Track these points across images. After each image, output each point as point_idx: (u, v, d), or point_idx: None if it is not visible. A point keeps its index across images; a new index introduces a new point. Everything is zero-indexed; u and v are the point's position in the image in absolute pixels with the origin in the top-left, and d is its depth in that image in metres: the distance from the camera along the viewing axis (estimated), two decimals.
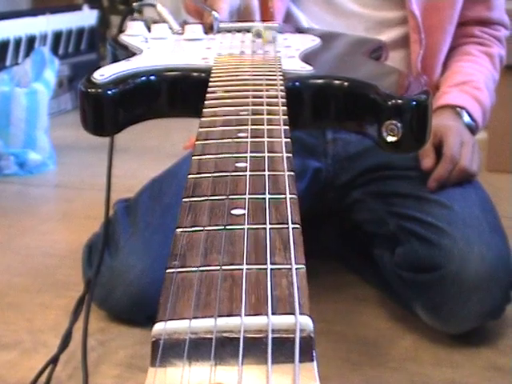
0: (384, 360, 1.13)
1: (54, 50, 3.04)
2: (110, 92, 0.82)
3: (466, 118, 1.29)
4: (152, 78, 0.86)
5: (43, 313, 1.31)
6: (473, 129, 1.30)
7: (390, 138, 0.77)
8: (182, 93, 0.87)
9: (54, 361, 1.08)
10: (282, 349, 0.33)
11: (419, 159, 1.23)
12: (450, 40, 1.38)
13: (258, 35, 0.99)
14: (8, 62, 2.90)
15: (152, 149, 2.49)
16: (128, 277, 1.19)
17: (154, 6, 1.07)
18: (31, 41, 3.03)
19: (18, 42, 2.95)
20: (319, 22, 1.35)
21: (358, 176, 1.35)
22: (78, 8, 3.46)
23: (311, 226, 1.28)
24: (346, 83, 0.83)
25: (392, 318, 1.26)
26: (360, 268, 1.42)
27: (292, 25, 1.34)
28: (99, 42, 3.81)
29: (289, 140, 0.57)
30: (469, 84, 1.34)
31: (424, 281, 1.14)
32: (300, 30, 1.10)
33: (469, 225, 1.14)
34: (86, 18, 3.44)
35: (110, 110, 0.84)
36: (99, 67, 0.86)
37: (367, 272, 1.39)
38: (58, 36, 3.22)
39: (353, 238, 1.44)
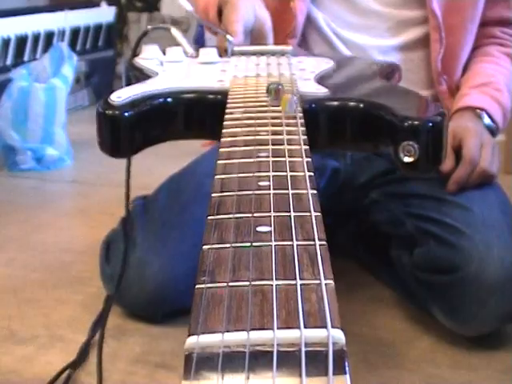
0: (401, 361, 1.13)
1: (72, 46, 3.05)
2: (126, 114, 0.84)
3: (487, 120, 1.29)
4: (168, 99, 0.87)
5: (59, 308, 1.31)
6: (493, 130, 1.29)
7: (407, 159, 0.78)
8: (198, 115, 0.88)
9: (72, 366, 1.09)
10: (315, 362, 0.33)
11: None
12: (471, 40, 1.37)
13: (276, 95, 0.79)
14: (26, 58, 2.91)
15: (168, 146, 2.48)
16: (145, 273, 1.19)
17: (168, 29, 1.08)
18: (49, 36, 3.04)
19: (36, 38, 2.96)
20: (340, 22, 1.35)
21: (376, 177, 1.34)
22: (95, 4, 3.47)
23: (328, 226, 1.28)
24: (361, 105, 0.84)
25: (408, 319, 1.26)
26: (376, 269, 1.42)
27: (304, 49, 1.35)
28: (116, 39, 3.82)
29: (310, 160, 0.57)
30: (489, 85, 1.33)
31: (442, 282, 1.14)
32: (314, 54, 1.11)
33: (488, 227, 1.14)
34: (104, 14, 3.45)
35: (127, 132, 0.85)
36: (113, 91, 0.87)
37: (383, 273, 1.39)
38: (75, 32, 3.23)
39: (369, 238, 1.44)
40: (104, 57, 3.48)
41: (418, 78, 1.38)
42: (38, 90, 2.23)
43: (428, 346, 1.17)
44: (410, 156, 0.78)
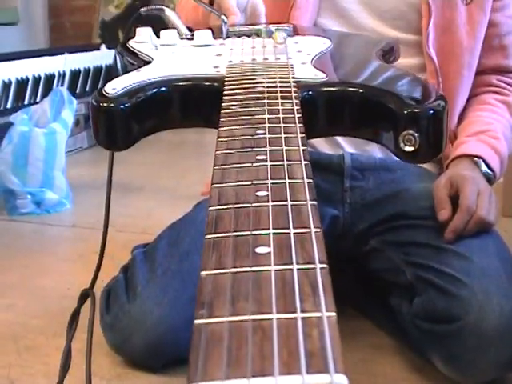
0: None
1: (72, 88, 3.07)
2: (122, 105, 0.81)
3: (484, 168, 1.30)
4: (164, 89, 0.84)
5: (60, 356, 1.30)
6: (490, 178, 1.30)
7: (408, 148, 0.77)
8: (194, 103, 0.85)
9: None
10: None
11: (436, 210, 1.23)
12: (468, 87, 1.38)
13: (269, 35, 0.97)
14: (26, 101, 2.92)
15: (167, 189, 2.50)
16: (145, 323, 1.19)
17: (162, 10, 1.05)
18: (50, 79, 3.06)
19: (37, 81, 2.98)
20: None
21: (375, 225, 1.34)
22: (95, 48, 3.50)
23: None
24: (360, 90, 0.81)
25: (408, 367, 1.26)
26: (376, 315, 1.42)
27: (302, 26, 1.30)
28: None
29: (306, 148, 0.57)
30: (486, 133, 1.34)
31: (442, 332, 1.14)
32: (310, 32, 1.08)
33: (487, 276, 1.14)
34: (104, 57, 3.48)
35: (123, 124, 0.82)
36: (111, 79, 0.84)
37: (383, 319, 1.39)
38: (75, 75, 3.25)
39: (369, 285, 1.44)
40: None
41: None
42: (39, 134, 2.25)
43: None
44: (410, 145, 0.76)
